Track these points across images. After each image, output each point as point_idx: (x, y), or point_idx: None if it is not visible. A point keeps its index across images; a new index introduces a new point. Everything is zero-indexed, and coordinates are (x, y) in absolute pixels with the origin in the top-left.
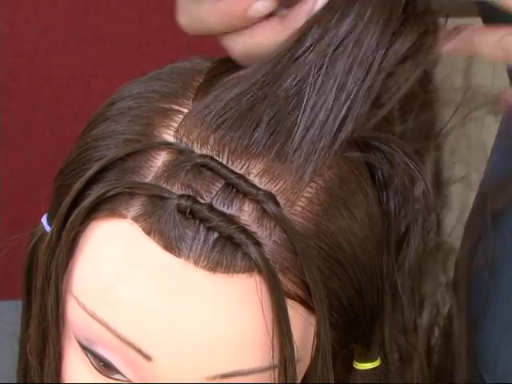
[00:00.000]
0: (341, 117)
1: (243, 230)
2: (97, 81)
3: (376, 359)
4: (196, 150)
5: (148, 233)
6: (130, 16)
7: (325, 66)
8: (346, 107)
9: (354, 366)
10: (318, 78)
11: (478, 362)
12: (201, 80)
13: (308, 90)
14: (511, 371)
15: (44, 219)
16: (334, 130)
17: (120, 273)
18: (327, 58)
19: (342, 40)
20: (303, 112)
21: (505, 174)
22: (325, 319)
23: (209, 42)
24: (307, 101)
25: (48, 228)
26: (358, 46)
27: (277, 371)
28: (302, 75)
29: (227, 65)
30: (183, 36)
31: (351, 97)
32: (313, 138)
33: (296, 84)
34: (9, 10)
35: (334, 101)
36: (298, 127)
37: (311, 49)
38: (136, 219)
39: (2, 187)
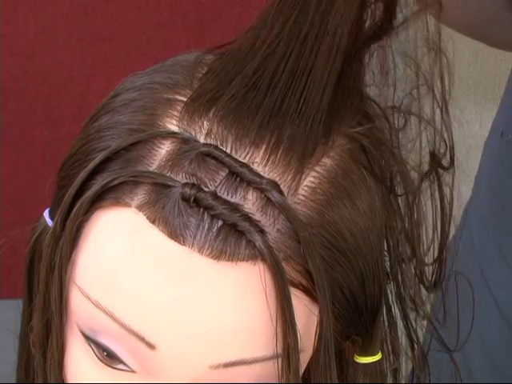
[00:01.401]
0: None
1: (247, 218)
2: (95, 80)
3: (377, 353)
4: (200, 139)
5: (152, 221)
6: (128, 15)
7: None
8: (337, 91)
9: (355, 359)
10: (309, 63)
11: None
12: (204, 71)
13: (300, 76)
14: None
15: (46, 214)
16: (327, 117)
17: (124, 261)
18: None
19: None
20: (298, 99)
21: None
22: (327, 308)
23: (208, 41)
24: (300, 87)
25: (50, 222)
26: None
27: (280, 360)
28: (297, 61)
29: (230, 56)
30: (182, 35)
31: (345, 81)
32: (311, 125)
33: (291, 69)
34: (7, 9)
35: (325, 85)
36: (296, 114)
37: (301, 35)
38: (140, 208)
39: (0, 186)
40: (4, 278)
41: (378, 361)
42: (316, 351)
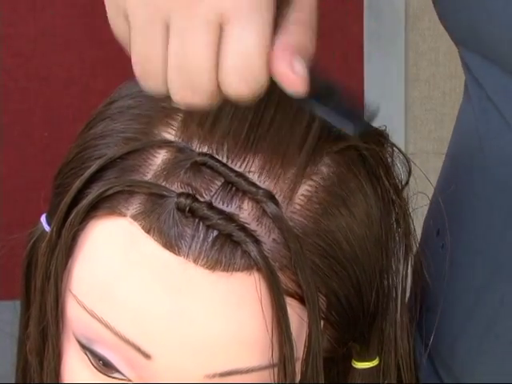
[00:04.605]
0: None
1: (242, 228)
2: (95, 81)
3: (374, 358)
4: (195, 148)
5: (147, 231)
6: None
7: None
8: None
9: (353, 365)
10: None
11: (434, 357)
12: None
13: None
14: (468, 363)
15: (43, 219)
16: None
17: (119, 271)
18: None
19: None
20: (294, 109)
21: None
22: (317, 322)
23: None
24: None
25: (47, 227)
26: None
27: (276, 370)
28: None
29: None
30: None
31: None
32: (308, 134)
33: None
34: (7, 10)
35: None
36: (292, 123)
37: None
38: (135, 217)
39: (0, 186)
40: (3, 279)
41: (376, 366)
42: (305, 363)
